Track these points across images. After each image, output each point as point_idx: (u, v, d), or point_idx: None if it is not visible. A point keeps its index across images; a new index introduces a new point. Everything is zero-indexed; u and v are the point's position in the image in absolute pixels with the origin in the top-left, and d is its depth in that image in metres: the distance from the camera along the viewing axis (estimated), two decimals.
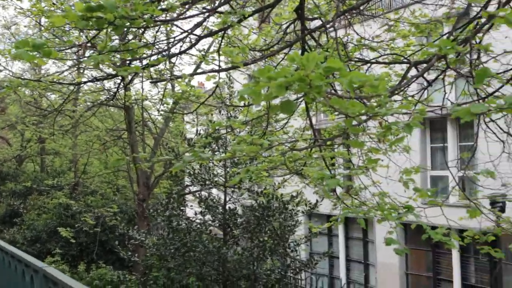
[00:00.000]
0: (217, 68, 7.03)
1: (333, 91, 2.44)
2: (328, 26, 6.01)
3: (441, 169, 18.69)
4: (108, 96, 19.07)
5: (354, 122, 2.57)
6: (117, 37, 13.43)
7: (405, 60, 6.34)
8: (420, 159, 18.12)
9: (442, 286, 19.32)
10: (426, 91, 6.92)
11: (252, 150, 3.50)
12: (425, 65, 4.12)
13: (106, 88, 19.33)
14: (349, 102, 2.32)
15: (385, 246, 3.37)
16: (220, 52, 6.60)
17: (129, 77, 11.71)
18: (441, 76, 6.68)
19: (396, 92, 4.06)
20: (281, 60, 7.89)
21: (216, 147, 11.32)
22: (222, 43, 7.16)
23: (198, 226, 11.48)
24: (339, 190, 9.87)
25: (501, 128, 6.90)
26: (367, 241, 21.82)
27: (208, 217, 11.65)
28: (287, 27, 7.97)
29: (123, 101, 16.76)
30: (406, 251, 3.44)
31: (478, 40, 6.68)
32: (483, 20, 4.51)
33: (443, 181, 18.46)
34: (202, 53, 9.35)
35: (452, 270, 18.70)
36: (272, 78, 2.34)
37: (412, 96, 7.50)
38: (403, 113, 2.61)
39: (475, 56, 6.94)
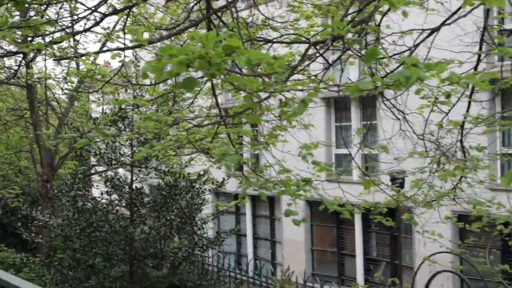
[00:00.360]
0: (122, 46, 6.98)
1: (233, 69, 2.54)
2: (232, 6, 6.11)
3: (344, 147, 19.26)
4: (8, 74, 18.43)
5: (254, 99, 2.69)
6: (18, 13, 12.99)
7: (305, 40, 6.54)
8: (325, 138, 18.62)
9: (346, 260, 20.04)
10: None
11: (156, 127, 3.57)
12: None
13: (6, 66, 18.69)
14: (247, 79, 2.43)
15: (286, 217, 3.53)
16: (125, 31, 6.57)
17: (31, 55, 11.38)
18: (344, 56, 6.94)
19: (296, 71, 4.22)
20: (187, 39, 7.93)
21: (123, 126, 11.21)
22: (128, 22, 7.12)
23: (105, 206, 11.38)
24: (246, 169, 10.04)
25: (394, 107, 7.25)
26: (273, 219, 22.26)
27: (114, 196, 11.56)
28: (193, 6, 8.01)
29: (25, 79, 16.26)
30: (304, 222, 3.62)
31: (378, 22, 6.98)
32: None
33: (347, 159, 19.06)
34: (107, 31, 9.23)
35: (355, 245, 19.43)
36: (173, 56, 2.42)
37: (315, 76, 7.73)
38: (298, 89, 2.76)
39: (374, 38, 7.25)
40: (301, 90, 2.70)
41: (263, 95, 3.10)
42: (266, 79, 3.19)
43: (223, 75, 2.41)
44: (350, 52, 6.75)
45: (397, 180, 13.39)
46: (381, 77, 6.04)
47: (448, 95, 4.76)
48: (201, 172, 11.84)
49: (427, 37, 6.66)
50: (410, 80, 2.22)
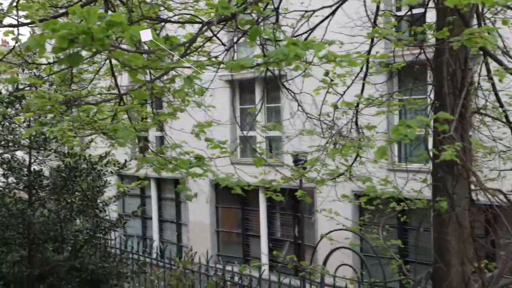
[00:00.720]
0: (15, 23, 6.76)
1: (117, 44, 2.56)
2: None
3: (249, 130, 19.46)
4: None
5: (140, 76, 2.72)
6: None
7: (199, 20, 6.58)
8: (230, 120, 18.73)
9: (251, 241, 20.34)
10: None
11: (45, 104, 3.52)
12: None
13: None
14: (131, 55, 2.45)
15: (179, 192, 3.58)
16: (18, 7, 6.37)
17: None
18: (247, 40, 7.03)
19: (191, 52, 4.26)
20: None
21: (20, 107, 10.84)
22: None
23: (1, 189, 11.00)
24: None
25: (287, 88, 7.42)
26: (179, 201, 22.23)
27: (11, 179, 11.19)
28: None
29: None
30: (195, 197, 3.69)
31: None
32: None
33: (251, 140, 19.25)
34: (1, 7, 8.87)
35: (259, 226, 19.75)
36: (56, 30, 2.41)
37: (216, 57, 7.78)
38: (184, 67, 2.81)
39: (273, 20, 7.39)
40: (188, 67, 2.76)
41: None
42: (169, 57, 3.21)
43: (107, 51, 2.42)
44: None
45: (300, 161, 13.73)
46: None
47: (327, 73, 4.95)
48: (103, 154, 11.64)
49: (322, 20, 6.87)
50: (288, 57, 2.31)
